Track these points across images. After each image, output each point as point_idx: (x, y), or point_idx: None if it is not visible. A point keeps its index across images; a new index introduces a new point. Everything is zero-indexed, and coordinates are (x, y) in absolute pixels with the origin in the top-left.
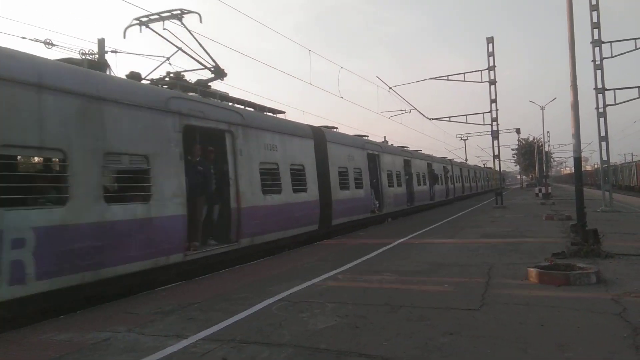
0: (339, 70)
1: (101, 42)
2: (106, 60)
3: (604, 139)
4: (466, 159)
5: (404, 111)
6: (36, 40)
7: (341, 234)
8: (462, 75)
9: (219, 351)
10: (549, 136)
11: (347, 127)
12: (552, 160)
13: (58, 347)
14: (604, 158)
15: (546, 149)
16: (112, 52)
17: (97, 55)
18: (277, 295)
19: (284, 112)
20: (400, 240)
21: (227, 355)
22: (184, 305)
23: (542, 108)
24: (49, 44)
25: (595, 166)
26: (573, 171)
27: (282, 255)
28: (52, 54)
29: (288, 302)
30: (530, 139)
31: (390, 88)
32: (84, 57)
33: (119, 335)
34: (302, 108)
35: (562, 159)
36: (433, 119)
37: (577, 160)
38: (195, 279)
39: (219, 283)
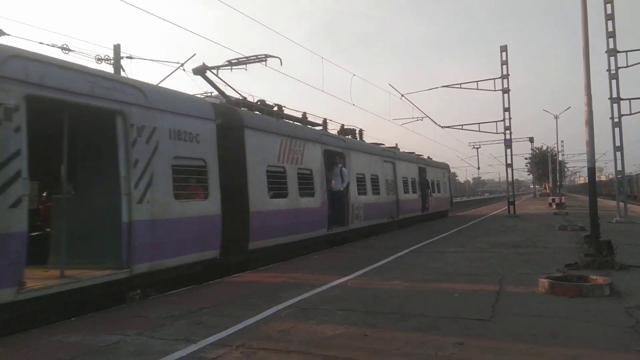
0: (352, 77)
1: (117, 48)
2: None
3: (618, 149)
4: (478, 168)
5: (416, 119)
6: (53, 46)
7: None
8: (475, 83)
9: (227, 356)
10: (562, 145)
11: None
12: (566, 169)
13: (69, 349)
14: (619, 168)
15: (560, 158)
16: (128, 57)
17: (113, 61)
18: (286, 301)
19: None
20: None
21: None
22: (194, 310)
23: (556, 117)
24: (65, 49)
25: (610, 176)
26: (587, 181)
27: (292, 261)
28: (69, 59)
29: (297, 308)
30: (544, 148)
31: (402, 95)
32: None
33: (128, 339)
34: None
35: (576, 169)
36: (445, 127)
37: (591, 171)
38: (205, 283)
39: (229, 288)
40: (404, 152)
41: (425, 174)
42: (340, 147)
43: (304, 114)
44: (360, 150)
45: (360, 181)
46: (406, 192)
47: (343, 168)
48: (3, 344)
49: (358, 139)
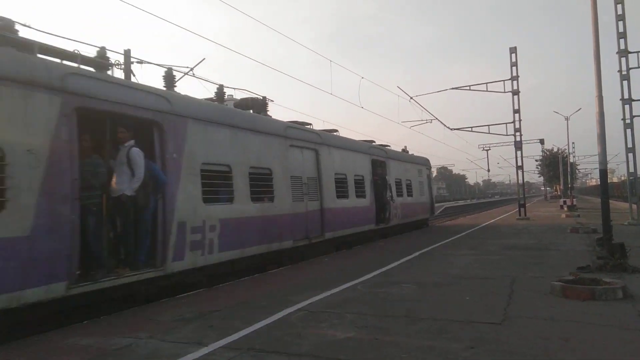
0: (360, 80)
1: (127, 53)
2: None
3: (630, 150)
4: (488, 170)
5: (425, 121)
6: (64, 51)
7: None
8: (485, 85)
9: (238, 359)
10: (574, 147)
11: (365, 135)
12: (577, 171)
13: (82, 351)
14: (631, 170)
15: (571, 160)
16: (138, 62)
17: (123, 66)
18: (297, 304)
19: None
20: None
21: None
22: (205, 313)
23: (567, 119)
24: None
25: (622, 178)
26: (599, 183)
27: (300, 265)
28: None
29: (307, 311)
30: (555, 149)
31: (411, 98)
32: None
33: (140, 342)
34: (322, 118)
35: (588, 171)
36: (455, 129)
37: (603, 172)
38: (215, 286)
39: (239, 291)
40: (347, 137)
41: (386, 171)
42: (147, 108)
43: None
44: (214, 122)
45: (217, 177)
46: (342, 195)
47: (134, 149)
48: (17, 346)
49: (260, 112)
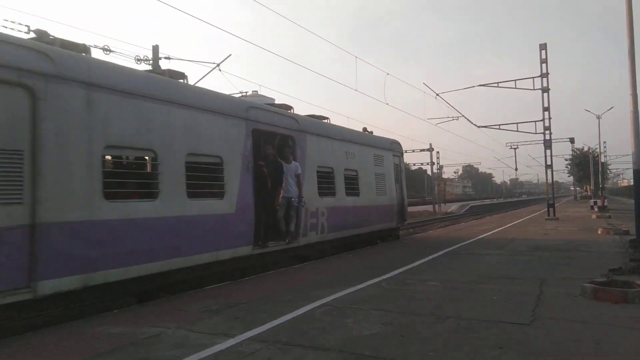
0: (385, 76)
1: (155, 49)
2: None
3: None
4: (516, 169)
5: (452, 118)
6: (95, 47)
7: None
8: (513, 82)
9: (264, 352)
10: (605, 146)
11: (391, 132)
12: (608, 171)
13: (112, 339)
14: None
15: (602, 159)
16: (166, 58)
17: (151, 61)
18: (321, 299)
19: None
20: None
21: (272, 356)
22: (231, 305)
23: (598, 117)
24: (107, 50)
25: None
26: (632, 183)
27: (324, 260)
28: (109, 60)
29: (332, 307)
30: (585, 149)
31: (437, 95)
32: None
33: (169, 331)
34: (347, 114)
35: (620, 171)
36: (482, 127)
37: (637, 173)
38: (240, 280)
39: (264, 285)
40: (175, 80)
41: (295, 152)
42: None
43: None
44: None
45: None
46: (143, 194)
47: None
48: (51, 333)
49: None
